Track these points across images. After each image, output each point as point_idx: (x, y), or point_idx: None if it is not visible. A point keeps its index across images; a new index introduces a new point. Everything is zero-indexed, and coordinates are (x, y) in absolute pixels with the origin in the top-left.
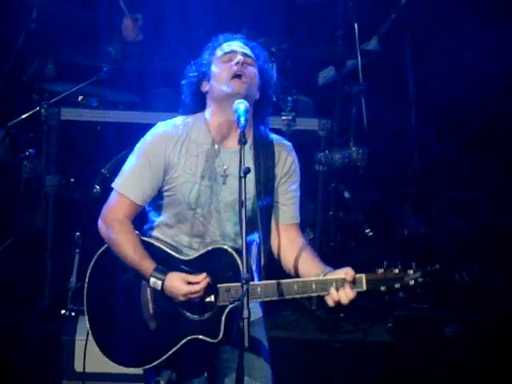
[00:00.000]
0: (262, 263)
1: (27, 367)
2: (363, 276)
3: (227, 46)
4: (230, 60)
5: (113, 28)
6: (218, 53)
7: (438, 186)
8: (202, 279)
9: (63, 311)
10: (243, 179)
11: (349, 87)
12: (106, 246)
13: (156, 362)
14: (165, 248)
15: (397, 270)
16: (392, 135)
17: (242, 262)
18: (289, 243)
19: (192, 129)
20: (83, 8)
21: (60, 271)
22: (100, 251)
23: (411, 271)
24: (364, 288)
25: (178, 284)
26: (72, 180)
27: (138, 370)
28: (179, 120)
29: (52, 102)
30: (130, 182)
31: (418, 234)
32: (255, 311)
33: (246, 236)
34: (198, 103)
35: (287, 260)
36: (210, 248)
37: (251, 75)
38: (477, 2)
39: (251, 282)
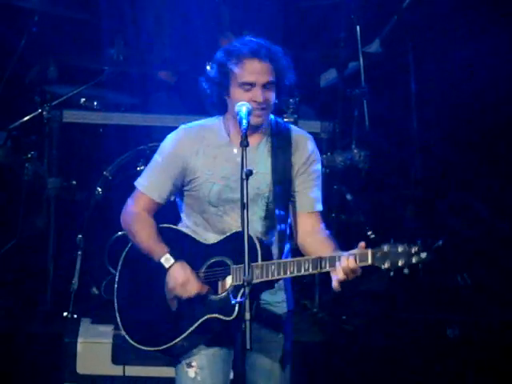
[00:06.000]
0: (290, 248)
1: (30, 369)
2: (369, 251)
3: (248, 72)
4: (249, 90)
5: (115, 30)
6: (239, 75)
7: (440, 188)
8: (200, 287)
9: (65, 313)
10: (245, 181)
11: (351, 89)
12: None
13: (175, 341)
14: (189, 233)
15: (402, 247)
16: (394, 137)
17: (251, 258)
18: (311, 230)
19: (211, 131)
20: (85, 10)
21: (62, 273)
22: (129, 245)
23: (416, 248)
24: (369, 262)
25: (183, 272)
26: (74, 182)
27: (138, 372)
28: (200, 122)
29: (54, 104)
30: (149, 182)
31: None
32: (280, 306)
33: (268, 231)
34: (221, 107)
35: (307, 246)
36: (233, 231)
37: (268, 102)
38: (479, 4)
39: (259, 262)
